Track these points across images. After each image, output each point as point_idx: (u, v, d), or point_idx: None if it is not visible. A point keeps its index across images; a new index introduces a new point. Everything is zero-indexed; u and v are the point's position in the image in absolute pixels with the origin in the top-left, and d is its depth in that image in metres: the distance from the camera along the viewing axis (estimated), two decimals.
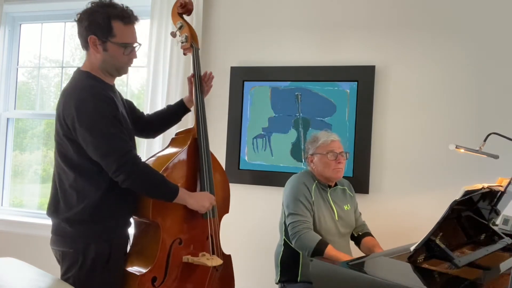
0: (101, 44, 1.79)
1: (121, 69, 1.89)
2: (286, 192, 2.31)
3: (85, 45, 1.82)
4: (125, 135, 1.79)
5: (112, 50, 1.81)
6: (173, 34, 2.26)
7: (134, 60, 1.90)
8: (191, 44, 2.23)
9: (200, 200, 1.94)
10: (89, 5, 1.81)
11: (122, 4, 1.84)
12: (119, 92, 2.00)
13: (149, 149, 2.92)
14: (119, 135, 1.75)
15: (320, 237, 2.12)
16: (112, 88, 1.90)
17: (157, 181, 1.81)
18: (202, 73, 2.25)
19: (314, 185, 2.30)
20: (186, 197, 1.89)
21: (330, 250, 2.08)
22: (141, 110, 2.21)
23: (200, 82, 2.19)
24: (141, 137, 2.27)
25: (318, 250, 2.07)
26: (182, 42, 2.24)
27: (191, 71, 2.24)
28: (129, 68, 1.93)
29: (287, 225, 2.22)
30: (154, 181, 1.80)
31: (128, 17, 1.81)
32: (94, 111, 1.71)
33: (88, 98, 1.72)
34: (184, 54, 2.33)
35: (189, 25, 2.26)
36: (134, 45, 1.86)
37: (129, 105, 2.08)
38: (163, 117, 2.24)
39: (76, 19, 1.82)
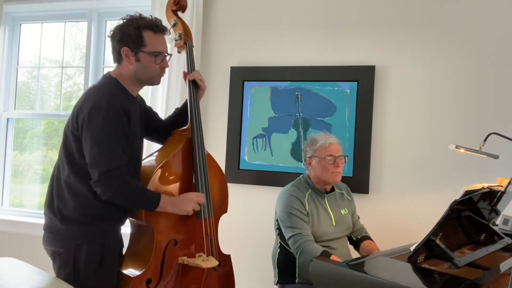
0: (134, 55, 1.84)
1: (153, 79, 1.94)
2: (278, 207, 2.29)
3: (118, 58, 1.88)
4: (124, 152, 1.80)
5: (144, 60, 1.86)
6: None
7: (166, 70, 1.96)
8: (185, 41, 2.20)
9: (180, 205, 1.91)
10: (120, 21, 1.88)
11: (151, 16, 1.91)
12: (141, 101, 2.04)
13: (149, 149, 2.91)
14: (115, 150, 1.77)
15: (322, 249, 2.09)
16: (134, 99, 1.93)
17: (134, 198, 1.82)
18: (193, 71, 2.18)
19: (308, 194, 2.27)
20: (167, 206, 1.87)
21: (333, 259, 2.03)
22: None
23: (194, 81, 2.15)
24: (159, 143, 2.24)
25: None
26: (175, 40, 2.21)
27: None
28: None
29: (287, 239, 2.20)
30: (131, 198, 1.82)
31: (157, 26, 1.87)
32: (103, 120, 1.74)
33: (104, 105, 1.75)
34: (179, 52, 2.28)
35: (183, 22, 2.23)
36: (165, 55, 1.91)
37: (149, 113, 2.13)
38: (175, 121, 2.23)
39: (109, 35, 1.89)
